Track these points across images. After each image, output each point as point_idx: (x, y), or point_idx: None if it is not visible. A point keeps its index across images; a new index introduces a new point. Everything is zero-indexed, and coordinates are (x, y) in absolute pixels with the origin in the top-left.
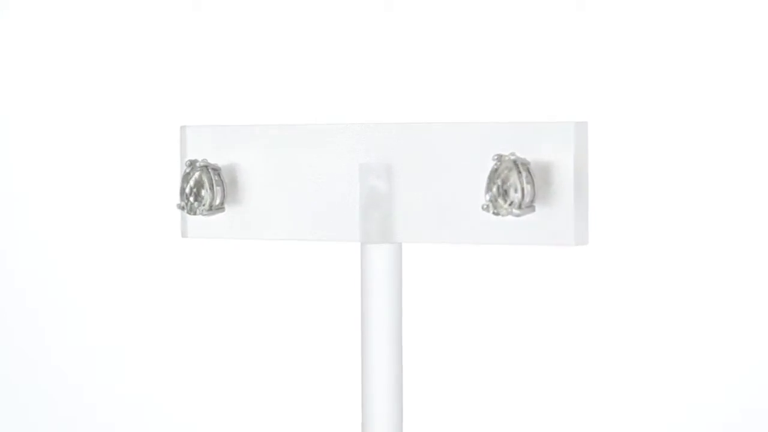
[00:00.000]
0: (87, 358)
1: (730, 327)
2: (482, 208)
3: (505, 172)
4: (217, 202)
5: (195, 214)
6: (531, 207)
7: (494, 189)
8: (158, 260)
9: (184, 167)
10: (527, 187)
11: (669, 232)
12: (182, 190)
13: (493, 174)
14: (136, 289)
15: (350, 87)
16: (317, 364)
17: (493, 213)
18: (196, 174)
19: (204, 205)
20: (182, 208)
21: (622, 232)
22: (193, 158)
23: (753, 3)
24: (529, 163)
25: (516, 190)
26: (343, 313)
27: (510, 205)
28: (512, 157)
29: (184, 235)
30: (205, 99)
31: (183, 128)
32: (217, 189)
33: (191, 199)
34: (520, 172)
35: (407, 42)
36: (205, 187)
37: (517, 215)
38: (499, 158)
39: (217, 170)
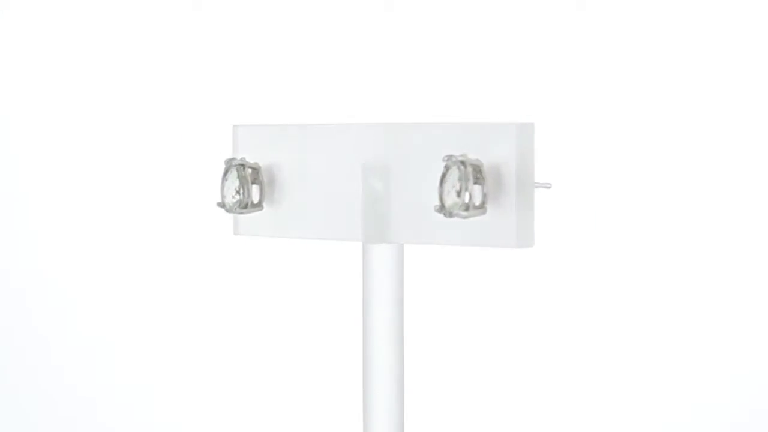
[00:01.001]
0: (82, 352)
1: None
2: (434, 209)
3: (455, 173)
4: (255, 200)
5: (233, 212)
6: (481, 209)
7: (443, 191)
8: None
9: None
10: (474, 189)
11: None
12: (221, 188)
13: (444, 176)
14: (140, 286)
15: (350, 87)
16: (319, 363)
17: (443, 215)
18: (232, 172)
19: (239, 204)
20: (222, 206)
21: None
22: (230, 157)
23: (741, 13)
24: (481, 164)
25: (463, 191)
26: (345, 313)
27: (459, 207)
28: (461, 158)
29: (236, 232)
30: (205, 99)
31: (236, 127)
32: (253, 187)
33: (228, 197)
34: (466, 174)
35: (407, 42)
36: (237, 186)
37: (464, 217)
38: (449, 159)
39: (256, 169)
